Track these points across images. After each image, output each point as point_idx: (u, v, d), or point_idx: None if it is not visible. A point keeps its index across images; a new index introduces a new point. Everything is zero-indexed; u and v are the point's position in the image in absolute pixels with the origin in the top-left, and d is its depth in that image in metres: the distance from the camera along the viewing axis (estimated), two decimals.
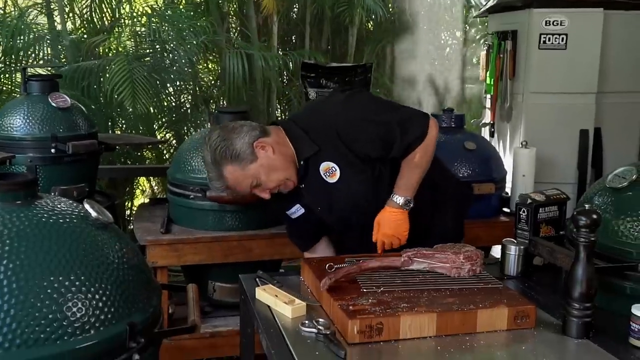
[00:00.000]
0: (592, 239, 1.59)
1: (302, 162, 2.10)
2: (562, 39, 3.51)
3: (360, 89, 3.33)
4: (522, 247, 2.08)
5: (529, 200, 2.15)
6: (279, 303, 1.75)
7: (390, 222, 2.09)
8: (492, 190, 3.07)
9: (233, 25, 5.50)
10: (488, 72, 3.82)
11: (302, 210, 2.22)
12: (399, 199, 2.09)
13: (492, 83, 3.79)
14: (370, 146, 2.05)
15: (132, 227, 4.51)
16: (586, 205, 1.65)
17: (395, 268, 1.84)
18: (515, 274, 2.08)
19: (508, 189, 3.31)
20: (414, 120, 2.07)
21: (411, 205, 2.10)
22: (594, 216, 1.58)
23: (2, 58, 4.74)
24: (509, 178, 3.28)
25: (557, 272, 2.09)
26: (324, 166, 2.09)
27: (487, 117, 3.96)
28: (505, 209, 3.25)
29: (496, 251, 3.52)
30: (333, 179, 2.10)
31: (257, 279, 1.99)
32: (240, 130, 2.05)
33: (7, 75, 4.87)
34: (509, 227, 2.76)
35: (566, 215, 2.24)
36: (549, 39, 3.53)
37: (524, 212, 2.15)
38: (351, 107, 2.10)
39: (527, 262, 2.10)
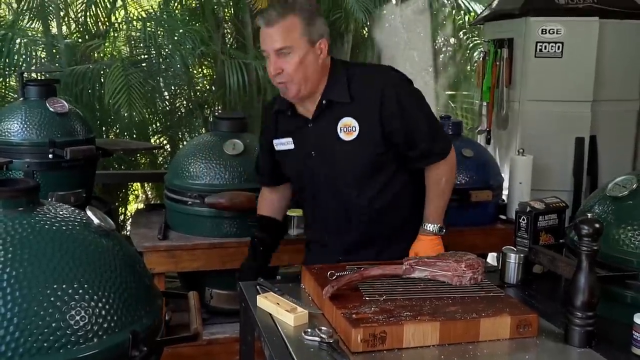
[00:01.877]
0: (595, 247, 1.59)
1: (324, 101, 2.02)
2: (558, 47, 3.53)
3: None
4: (522, 255, 2.08)
5: (529, 208, 2.15)
6: (280, 311, 1.74)
7: (428, 249, 2.08)
8: (489, 198, 3.07)
9: (228, 31, 5.49)
10: (484, 80, 3.83)
11: (292, 147, 2.12)
12: (433, 227, 2.10)
13: (488, 90, 3.80)
14: (400, 128, 2.00)
15: (125, 232, 4.49)
16: (588, 214, 1.66)
17: (397, 276, 1.84)
18: (515, 282, 2.08)
19: (504, 197, 3.32)
20: (445, 136, 2.15)
21: (444, 231, 2.11)
22: (597, 225, 1.58)
23: None
24: (505, 185, 3.29)
25: (557, 280, 2.09)
26: (346, 121, 2.01)
27: (483, 125, 3.97)
28: (502, 216, 3.25)
29: (492, 258, 3.53)
30: (347, 137, 2.01)
31: (257, 287, 1.98)
32: (324, 22, 2.01)
33: (0, 79, 4.84)
34: (505, 235, 2.77)
35: (565, 223, 2.25)
36: (545, 47, 3.54)
37: (523, 220, 2.15)
38: (407, 89, 2.08)
39: (526, 270, 2.10)
